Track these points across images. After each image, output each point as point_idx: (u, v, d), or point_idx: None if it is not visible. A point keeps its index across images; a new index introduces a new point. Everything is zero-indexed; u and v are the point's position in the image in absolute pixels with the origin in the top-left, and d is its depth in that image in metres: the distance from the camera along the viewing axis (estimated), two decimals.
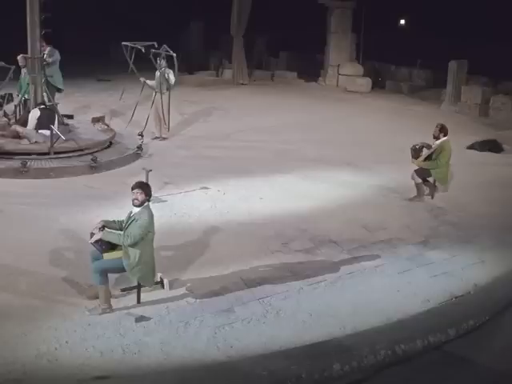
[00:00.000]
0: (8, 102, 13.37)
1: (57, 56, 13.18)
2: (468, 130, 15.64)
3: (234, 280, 7.48)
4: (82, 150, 11.89)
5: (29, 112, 12.14)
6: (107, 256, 6.70)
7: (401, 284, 7.62)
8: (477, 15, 21.80)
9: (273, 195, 10.50)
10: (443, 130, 10.37)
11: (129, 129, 13.82)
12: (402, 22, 26.23)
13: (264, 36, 24.86)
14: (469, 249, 8.69)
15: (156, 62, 13.74)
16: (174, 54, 13.46)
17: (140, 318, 6.58)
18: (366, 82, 21.90)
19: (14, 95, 13.43)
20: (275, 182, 11.20)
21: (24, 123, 12.01)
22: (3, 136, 11.89)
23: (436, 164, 10.29)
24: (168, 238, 8.17)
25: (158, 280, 7.11)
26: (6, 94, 13.29)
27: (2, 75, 12.58)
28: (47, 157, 11.37)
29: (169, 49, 13.57)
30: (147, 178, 9.06)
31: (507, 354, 6.58)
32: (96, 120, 13.27)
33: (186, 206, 9.79)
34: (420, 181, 10.41)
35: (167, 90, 13.72)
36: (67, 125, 12.83)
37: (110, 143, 12.71)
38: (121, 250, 6.69)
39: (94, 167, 11.30)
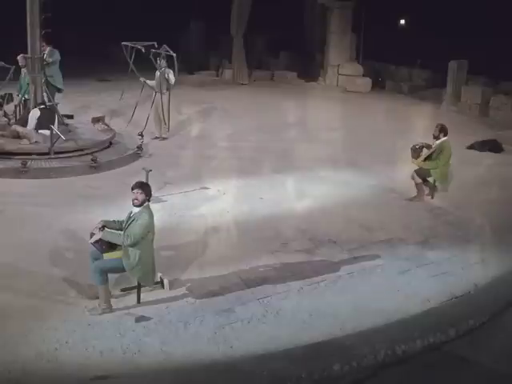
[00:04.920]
0: (8, 102, 13.37)
1: (57, 56, 13.19)
2: (468, 130, 15.63)
3: (234, 280, 7.48)
4: (81, 150, 11.89)
5: (29, 112, 12.15)
6: (107, 256, 6.70)
7: (401, 284, 7.62)
8: (477, 15, 21.77)
9: (273, 195, 10.50)
10: (443, 130, 10.38)
11: (129, 129, 13.83)
12: (402, 21, 26.21)
13: (264, 36, 24.84)
14: (469, 249, 8.69)
15: (156, 62, 13.75)
16: (174, 54, 13.47)
17: (140, 318, 6.58)
18: (366, 82, 21.89)
19: (14, 95, 13.43)
20: (275, 181, 11.20)
21: (24, 123, 12.01)
22: (3, 136, 11.90)
23: (436, 164, 10.29)
24: (168, 238, 8.18)
25: (158, 280, 7.12)
26: (6, 94, 13.29)
27: (2, 75, 12.58)
28: (47, 157, 11.37)
29: (169, 49, 13.58)
30: (147, 178, 9.05)
31: (507, 354, 6.57)
32: (96, 120, 13.27)
33: (186, 206, 9.79)
34: (420, 181, 10.41)
35: (167, 90, 13.73)
36: (67, 125, 12.84)
37: (110, 143, 12.72)
38: (121, 250, 6.69)
39: (94, 167, 11.31)
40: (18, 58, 12.46)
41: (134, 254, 6.61)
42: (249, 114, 16.73)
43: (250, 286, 7.36)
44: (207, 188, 10.68)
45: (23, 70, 12.73)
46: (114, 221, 6.93)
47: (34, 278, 7.24)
